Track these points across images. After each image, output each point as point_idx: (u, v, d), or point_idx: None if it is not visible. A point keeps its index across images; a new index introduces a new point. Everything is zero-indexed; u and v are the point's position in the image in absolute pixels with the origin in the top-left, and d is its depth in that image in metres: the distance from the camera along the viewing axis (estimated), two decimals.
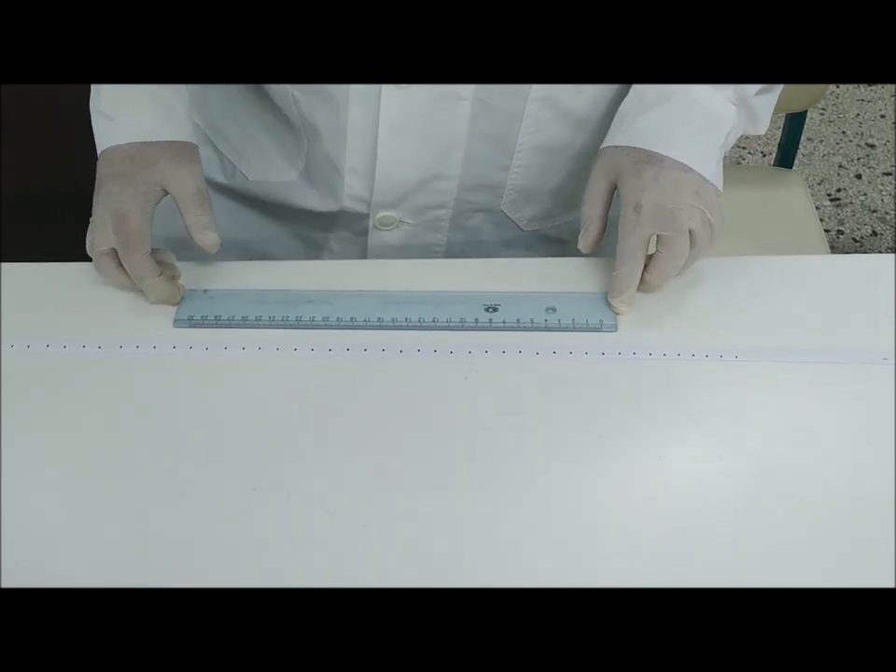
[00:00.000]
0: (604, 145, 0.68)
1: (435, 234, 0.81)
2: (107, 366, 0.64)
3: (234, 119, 0.81)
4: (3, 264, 0.71)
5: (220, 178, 0.84)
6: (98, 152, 0.68)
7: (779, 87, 0.73)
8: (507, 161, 0.77)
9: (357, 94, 0.71)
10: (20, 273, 0.71)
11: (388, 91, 0.70)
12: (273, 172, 0.81)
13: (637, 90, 0.69)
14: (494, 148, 0.75)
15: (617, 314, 0.66)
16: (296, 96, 0.73)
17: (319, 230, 0.84)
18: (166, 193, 0.66)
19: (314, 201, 0.80)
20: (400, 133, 0.72)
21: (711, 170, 0.65)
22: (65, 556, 0.54)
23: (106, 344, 0.65)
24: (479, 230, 0.83)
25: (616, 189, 0.66)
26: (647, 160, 0.64)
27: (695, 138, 0.66)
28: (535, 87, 0.71)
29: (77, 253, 0.68)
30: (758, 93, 0.69)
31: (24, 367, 0.64)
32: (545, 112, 0.73)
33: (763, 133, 0.73)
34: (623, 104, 0.69)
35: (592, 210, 0.67)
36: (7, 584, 0.52)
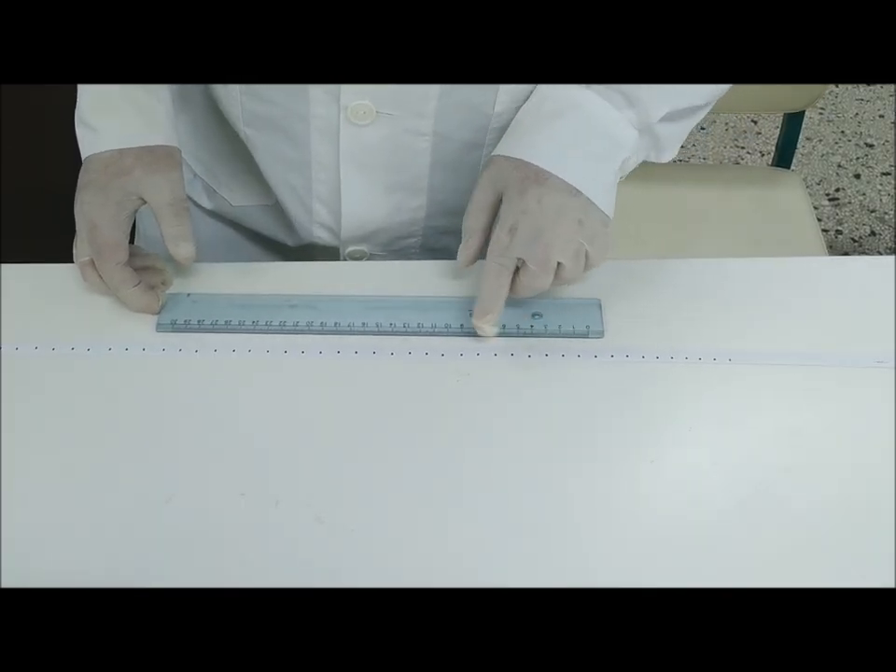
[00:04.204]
0: (494, 152, 0.65)
1: (406, 261, 0.81)
2: (97, 369, 0.63)
3: (208, 143, 0.80)
4: None
5: (204, 202, 0.84)
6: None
7: (692, 118, 0.68)
8: (470, 185, 0.75)
9: (317, 130, 0.70)
10: (6, 275, 0.70)
11: (346, 127, 0.69)
12: (252, 196, 0.80)
13: (539, 95, 0.66)
14: (457, 176, 0.75)
15: (483, 335, 0.63)
16: (248, 134, 0.73)
17: (295, 261, 0.83)
18: (144, 202, 0.65)
19: (287, 233, 0.80)
20: (362, 169, 0.72)
21: (601, 194, 0.62)
22: (53, 559, 0.54)
23: (95, 347, 0.64)
24: (448, 249, 0.82)
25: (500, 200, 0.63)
26: (534, 177, 0.61)
27: (588, 159, 0.63)
28: (494, 116, 0.70)
29: (65, 254, 0.67)
30: (662, 120, 0.66)
31: (14, 370, 0.63)
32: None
33: (667, 161, 0.69)
34: (521, 110, 0.66)
35: (474, 222, 0.64)
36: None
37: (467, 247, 0.65)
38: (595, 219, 0.62)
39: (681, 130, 0.69)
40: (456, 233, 0.80)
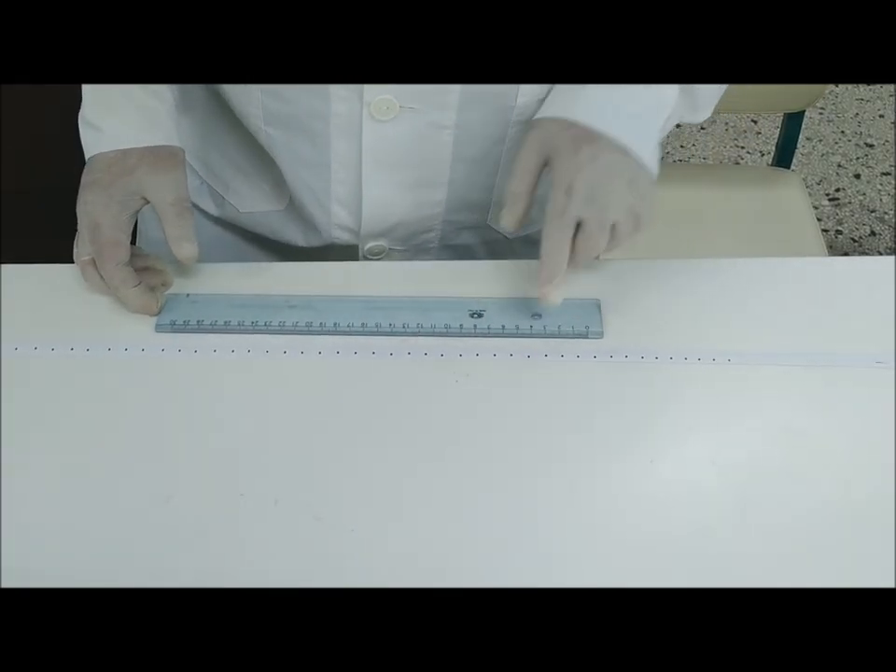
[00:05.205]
0: (539, 115, 0.64)
1: (424, 256, 0.81)
2: (96, 369, 0.63)
3: (216, 148, 0.80)
4: None
5: (211, 209, 0.83)
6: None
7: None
8: (491, 180, 0.76)
9: (337, 128, 0.70)
10: (6, 275, 0.70)
11: (368, 124, 0.68)
12: (262, 202, 0.80)
13: None
14: (478, 170, 0.75)
15: (549, 303, 0.62)
16: (269, 133, 0.72)
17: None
18: (147, 201, 0.65)
19: (302, 235, 0.80)
20: (385, 166, 0.72)
21: (649, 154, 0.62)
22: (53, 559, 0.54)
23: (95, 347, 0.64)
24: (466, 245, 0.82)
25: (546, 164, 0.62)
26: (586, 137, 0.61)
27: (637, 118, 0.63)
28: (516, 111, 0.70)
29: (65, 254, 0.67)
30: None
31: (13, 370, 0.63)
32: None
33: (701, 121, 0.71)
34: None
35: (519, 185, 0.63)
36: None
37: (513, 212, 0.63)
38: (644, 178, 0.62)
39: (718, 89, 0.69)
40: (474, 229, 0.80)
